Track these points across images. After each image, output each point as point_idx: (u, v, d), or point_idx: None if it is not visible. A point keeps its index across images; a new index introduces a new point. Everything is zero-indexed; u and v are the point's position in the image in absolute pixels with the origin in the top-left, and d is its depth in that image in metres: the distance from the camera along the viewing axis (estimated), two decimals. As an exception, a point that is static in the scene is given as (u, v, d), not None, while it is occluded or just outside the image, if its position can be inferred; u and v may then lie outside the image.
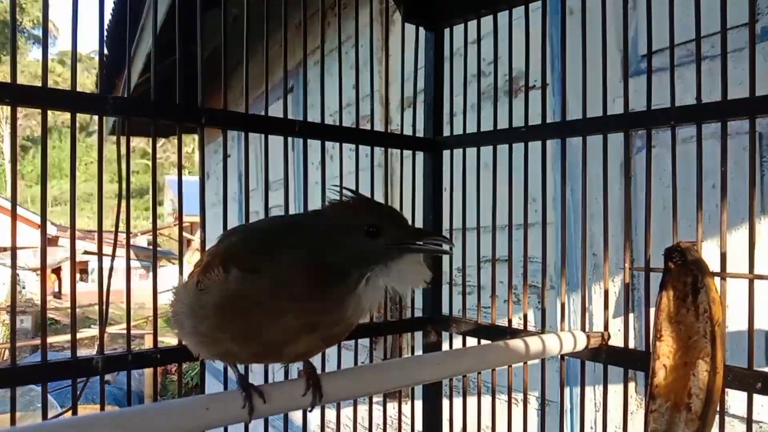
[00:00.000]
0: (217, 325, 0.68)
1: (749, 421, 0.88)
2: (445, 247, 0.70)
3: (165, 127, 0.98)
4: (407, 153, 1.33)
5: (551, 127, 1.15)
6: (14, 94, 0.84)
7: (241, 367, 0.74)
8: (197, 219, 1.02)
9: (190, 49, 1.01)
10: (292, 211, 1.07)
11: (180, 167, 1.01)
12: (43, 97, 0.87)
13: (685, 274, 0.87)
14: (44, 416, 0.88)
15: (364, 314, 0.70)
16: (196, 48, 1.01)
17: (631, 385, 1.54)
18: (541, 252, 1.14)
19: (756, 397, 0.87)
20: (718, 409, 0.86)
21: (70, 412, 0.87)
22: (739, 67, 1.10)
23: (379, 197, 0.97)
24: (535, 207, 1.20)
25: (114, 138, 1.02)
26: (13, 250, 0.88)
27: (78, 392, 0.91)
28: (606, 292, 1.06)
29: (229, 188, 1.09)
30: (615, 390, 1.08)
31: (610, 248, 1.06)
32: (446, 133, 1.37)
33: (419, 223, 1.35)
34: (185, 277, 0.78)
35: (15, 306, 0.90)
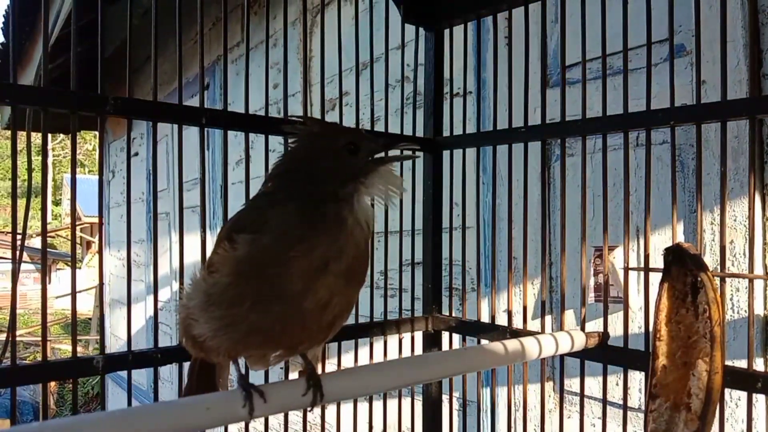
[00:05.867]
0: (233, 299, 0.67)
1: (749, 421, 0.88)
2: (415, 152, 0.73)
3: (58, 121, 0.93)
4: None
5: (551, 127, 1.15)
6: (14, 95, 0.84)
7: (242, 367, 0.74)
8: (97, 220, 0.99)
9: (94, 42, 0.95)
10: (208, 211, 1.04)
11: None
12: (44, 98, 0.87)
13: (685, 274, 0.87)
14: (44, 416, 0.88)
15: (364, 231, 0.70)
16: (98, 40, 0.94)
17: (549, 384, 1.57)
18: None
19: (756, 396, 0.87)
20: (717, 408, 0.86)
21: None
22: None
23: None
24: (534, 206, 1.21)
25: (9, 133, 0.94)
26: (14, 243, 0.88)
27: None
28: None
29: (136, 188, 1.05)
30: (534, 389, 1.08)
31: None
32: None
33: (419, 224, 1.35)
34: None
35: (15, 307, 0.90)
